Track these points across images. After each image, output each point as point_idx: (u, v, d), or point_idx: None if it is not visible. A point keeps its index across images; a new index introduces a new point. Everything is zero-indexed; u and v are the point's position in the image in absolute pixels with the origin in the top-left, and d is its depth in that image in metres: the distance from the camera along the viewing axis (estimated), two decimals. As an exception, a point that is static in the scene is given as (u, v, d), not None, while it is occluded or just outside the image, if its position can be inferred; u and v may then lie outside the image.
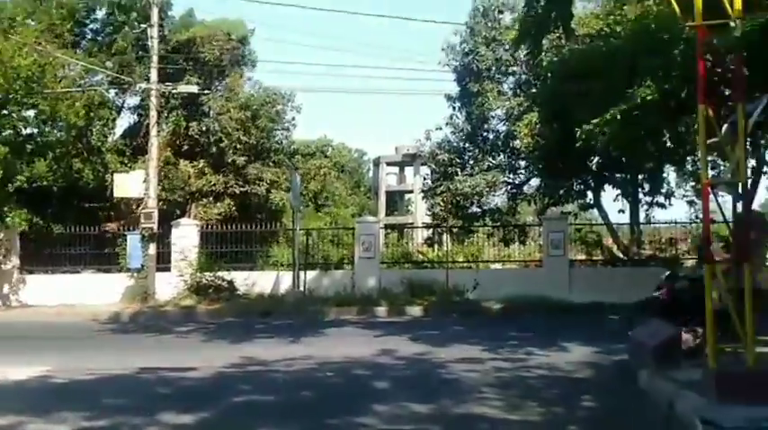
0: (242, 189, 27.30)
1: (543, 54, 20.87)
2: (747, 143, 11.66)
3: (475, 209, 26.98)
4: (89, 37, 26.66)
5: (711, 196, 9.96)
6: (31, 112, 21.40)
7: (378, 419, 7.96)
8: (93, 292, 20.64)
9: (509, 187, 26.24)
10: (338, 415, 8.20)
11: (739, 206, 10.62)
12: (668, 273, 16.10)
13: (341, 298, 20.43)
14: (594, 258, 24.11)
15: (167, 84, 23.69)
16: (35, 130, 21.79)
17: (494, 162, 26.07)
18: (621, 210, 24.88)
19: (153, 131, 22.62)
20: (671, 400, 8.41)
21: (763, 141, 16.40)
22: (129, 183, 22.56)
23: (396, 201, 48.52)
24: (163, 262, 21.62)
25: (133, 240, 21.44)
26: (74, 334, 15.48)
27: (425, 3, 61.03)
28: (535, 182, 25.68)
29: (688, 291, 13.80)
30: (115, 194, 23.01)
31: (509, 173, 25.98)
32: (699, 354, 10.00)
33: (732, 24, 9.23)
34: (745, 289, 9.17)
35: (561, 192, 23.86)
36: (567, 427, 7.87)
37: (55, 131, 21.87)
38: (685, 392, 8.46)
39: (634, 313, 15.83)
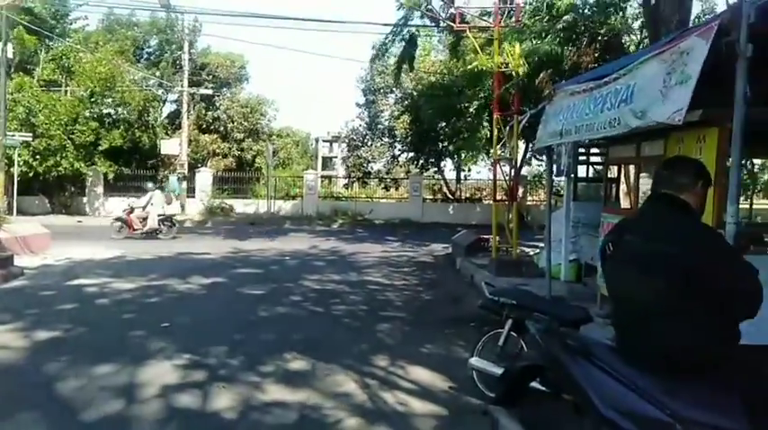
0: (240, 153, 29.68)
1: (411, 83, 23.74)
2: (520, 137, 12.99)
3: (370, 168, 30.99)
4: (145, 57, 28.23)
5: (499, 166, 11.65)
6: (108, 101, 22.70)
7: (313, 282, 9.00)
8: (148, 209, 22.63)
9: (390, 157, 29.65)
10: (292, 279, 9.12)
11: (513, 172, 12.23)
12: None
13: (295, 216, 22.76)
14: (436, 197, 27.19)
15: (193, 88, 25.84)
16: (112, 111, 23.02)
17: (382, 142, 29.34)
18: (454, 173, 28.75)
19: (184, 116, 25.15)
20: (472, 274, 9.52)
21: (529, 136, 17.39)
22: (171, 146, 24.67)
23: (327, 162, 52.21)
24: (190, 192, 23.49)
25: (173, 179, 23.63)
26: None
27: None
28: (405, 155, 28.86)
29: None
30: (162, 152, 24.93)
31: (390, 149, 29.38)
32: (488, 250, 11.25)
33: (513, 73, 10.63)
34: (513, 215, 10.98)
35: (421, 161, 26.88)
36: (416, 287, 8.95)
37: (125, 113, 23.14)
38: (480, 270, 9.63)
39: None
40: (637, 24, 12.88)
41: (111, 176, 22.86)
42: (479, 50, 11.90)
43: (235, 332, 5.91)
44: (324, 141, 52.56)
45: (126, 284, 8.29)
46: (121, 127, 23.03)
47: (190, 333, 5.85)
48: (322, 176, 32.71)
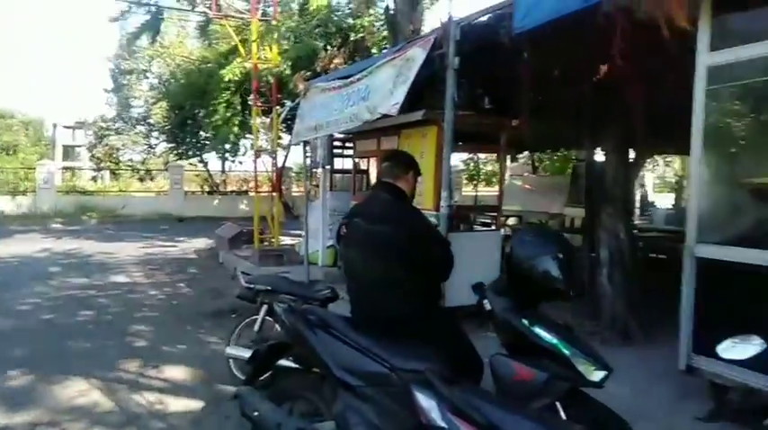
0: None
1: (167, 68, 22.90)
2: (282, 127, 13.60)
3: (122, 157, 28.23)
4: None
5: (260, 158, 11.69)
6: None
7: (49, 289, 8.07)
8: None
9: (146, 147, 27.30)
10: (18, 287, 8.05)
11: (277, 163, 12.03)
12: None
13: (26, 216, 19.70)
14: (202, 189, 25.87)
15: None
16: None
17: (137, 130, 26.93)
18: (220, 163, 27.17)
19: None
20: (235, 266, 8.87)
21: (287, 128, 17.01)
22: None
23: (69, 151, 45.56)
24: None
25: None
26: None
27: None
28: (164, 145, 26.68)
29: None
30: None
31: (147, 138, 26.98)
32: (252, 241, 10.96)
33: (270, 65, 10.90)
34: (276, 206, 11.15)
35: (180, 151, 24.99)
36: (176, 284, 8.61)
37: None
38: (243, 261, 9.69)
39: None
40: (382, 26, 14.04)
41: None
42: (238, 43, 11.74)
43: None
44: (65, 127, 45.74)
45: None
46: None
47: None
48: (63, 168, 28.73)
